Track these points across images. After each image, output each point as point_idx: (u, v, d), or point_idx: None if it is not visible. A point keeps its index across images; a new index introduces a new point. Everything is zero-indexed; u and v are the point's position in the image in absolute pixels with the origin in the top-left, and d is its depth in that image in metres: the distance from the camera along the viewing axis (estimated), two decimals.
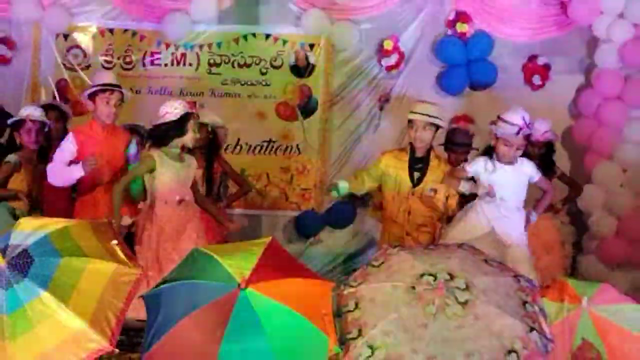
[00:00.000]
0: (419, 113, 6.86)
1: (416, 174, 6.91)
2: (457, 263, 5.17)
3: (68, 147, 6.76)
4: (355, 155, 8.77)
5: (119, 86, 6.92)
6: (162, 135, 6.54)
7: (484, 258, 5.43)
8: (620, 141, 8.49)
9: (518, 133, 6.50)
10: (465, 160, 7.50)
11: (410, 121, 6.90)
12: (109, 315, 4.97)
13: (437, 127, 6.91)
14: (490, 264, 5.34)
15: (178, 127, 6.50)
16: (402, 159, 6.95)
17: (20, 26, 8.49)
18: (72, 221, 5.52)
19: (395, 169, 6.94)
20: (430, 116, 6.83)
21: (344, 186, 7.04)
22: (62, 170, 6.72)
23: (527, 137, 6.63)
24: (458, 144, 7.63)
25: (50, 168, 6.75)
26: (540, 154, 7.41)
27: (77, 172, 6.68)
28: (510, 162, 6.66)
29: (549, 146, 7.59)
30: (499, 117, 6.60)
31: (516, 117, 6.56)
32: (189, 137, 6.57)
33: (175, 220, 6.58)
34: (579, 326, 5.20)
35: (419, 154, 6.93)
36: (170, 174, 6.51)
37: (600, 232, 8.41)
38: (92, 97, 6.87)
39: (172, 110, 6.51)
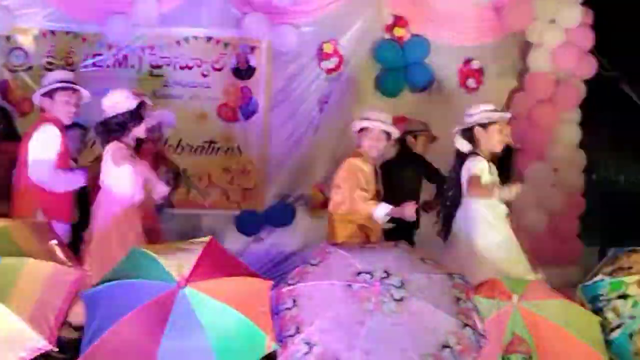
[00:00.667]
0: (374, 120, 6.78)
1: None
2: (393, 261, 5.20)
3: (53, 141, 6.61)
4: (295, 156, 8.73)
5: (78, 86, 6.80)
6: (118, 127, 6.37)
7: (420, 257, 5.46)
8: (551, 142, 8.56)
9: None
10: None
11: (362, 129, 6.82)
12: (48, 315, 4.92)
13: (389, 136, 6.87)
14: (425, 262, 5.37)
15: (135, 116, 6.40)
16: (366, 169, 6.76)
17: None
18: (10, 221, 5.46)
19: (364, 174, 6.74)
20: (385, 122, 6.78)
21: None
22: (66, 176, 6.61)
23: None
24: (416, 131, 7.68)
25: (51, 175, 6.56)
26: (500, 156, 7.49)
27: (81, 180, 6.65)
28: None
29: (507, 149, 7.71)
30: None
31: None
32: (143, 128, 6.48)
33: (129, 220, 6.48)
34: (510, 321, 5.25)
35: (371, 163, 6.82)
36: (127, 171, 6.35)
37: (533, 229, 8.47)
38: (48, 95, 6.70)
39: (124, 99, 6.39)
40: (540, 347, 5.21)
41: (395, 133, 6.93)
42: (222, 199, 8.72)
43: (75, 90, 6.73)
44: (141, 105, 6.41)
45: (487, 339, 5.12)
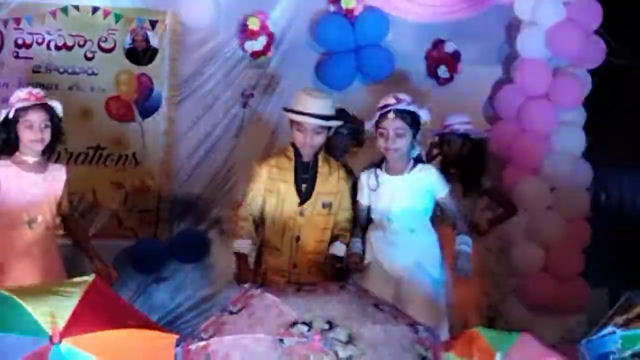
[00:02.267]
0: (309, 114, 6.78)
1: (303, 185, 6.88)
2: (339, 308, 5.23)
3: None
4: (210, 167, 8.76)
5: None
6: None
7: (373, 301, 5.50)
8: (547, 151, 8.67)
9: (386, 112, 6.66)
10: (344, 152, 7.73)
11: (294, 120, 6.89)
12: None
13: (330, 128, 6.94)
14: (381, 308, 5.41)
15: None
16: (283, 167, 6.87)
17: None
18: None
19: (275, 182, 6.83)
20: (324, 117, 6.80)
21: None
22: None
23: (411, 124, 6.76)
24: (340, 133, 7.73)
25: None
26: (464, 156, 7.56)
27: None
28: (400, 171, 6.78)
29: (476, 148, 7.78)
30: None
31: (385, 99, 6.75)
32: None
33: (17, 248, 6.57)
34: None
35: (306, 157, 6.89)
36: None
37: (524, 267, 8.55)
38: None
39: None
40: None
41: (337, 124, 6.97)
42: (111, 225, 8.72)
43: None
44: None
45: None
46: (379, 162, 6.82)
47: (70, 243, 7.20)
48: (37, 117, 6.59)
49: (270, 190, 6.85)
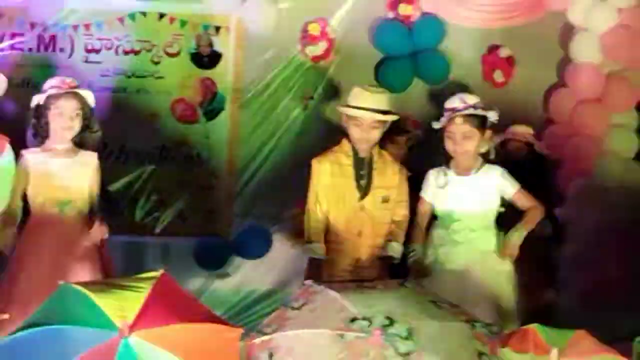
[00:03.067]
0: (366, 109, 6.82)
1: (361, 181, 6.88)
2: (398, 304, 5.22)
3: None
4: (273, 167, 8.76)
5: None
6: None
7: (431, 298, 5.47)
8: (600, 153, 8.60)
9: (454, 116, 6.69)
10: (407, 151, 7.79)
11: (350, 116, 6.90)
12: None
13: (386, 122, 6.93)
14: (439, 305, 5.39)
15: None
16: (342, 163, 6.90)
17: None
18: None
19: (335, 178, 6.88)
20: (381, 112, 6.83)
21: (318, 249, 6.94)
22: None
23: (479, 125, 6.74)
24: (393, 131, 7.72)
25: None
26: (523, 166, 7.52)
27: None
28: (467, 170, 6.76)
29: (535, 158, 7.77)
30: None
31: (452, 101, 6.73)
32: None
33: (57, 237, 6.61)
34: None
35: (363, 153, 6.90)
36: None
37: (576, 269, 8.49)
38: None
39: None
40: None
41: (395, 117, 7.00)
42: (177, 223, 8.74)
43: None
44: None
45: None
46: (447, 161, 6.80)
47: None
48: (68, 105, 6.65)
49: (330, 187, 6.85)
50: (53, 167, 6.65)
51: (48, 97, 6.66)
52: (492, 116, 6.81)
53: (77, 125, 6.70)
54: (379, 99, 6.85)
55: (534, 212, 6.84)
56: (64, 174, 6.67)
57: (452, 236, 6.80)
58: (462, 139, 6.69)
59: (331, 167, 6.89)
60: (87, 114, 6.77)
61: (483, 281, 6.75)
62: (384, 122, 6.86)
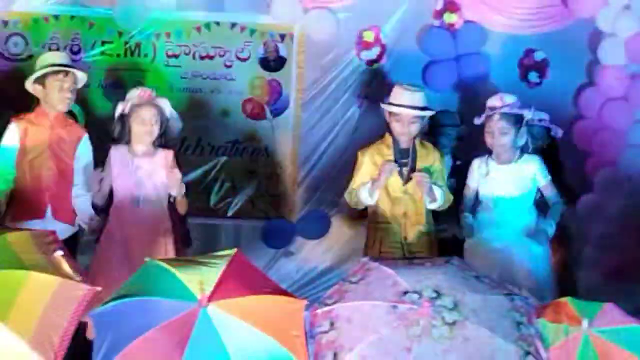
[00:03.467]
0: (405, 106, 6.84)
1: (404, 168, 6.87)
2: (445, 279, 5.20)
3: (8, 141, 6.73)
4: (331, 158, 8.77)
5: (74, 67, 6.89)
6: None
7: (474, 274, 5.46)
8: (625, 145, 8.53)
9: (492, 114, 6.74)
10: (454, 144, 7.85)
11: (391, 112, 6.92)
12: (52, 336, 4.95)
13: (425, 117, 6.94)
14: (481, 280, 5.37)
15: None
16: (383, 154, 6.92)
17: None
18: (10, 230, 5.50)
19: (377, 167, 6.87)
20: (418, 108, 6.84)
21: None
22: None
23: (515, 122, 6.75)
24: (443, 125, 7.71)
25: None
26: (541, 148, 7.49)
27: None
28: (507, 160, 6.76)
29: (552, 143, 7.72)
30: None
31: (492, 100, 6.75)
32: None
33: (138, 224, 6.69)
34: (580, 350, 5.22)
35: (403, 144, 6.92)
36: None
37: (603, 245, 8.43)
38: (40, 81, 6.81)
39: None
40: None
41: (432, 113, 7.05)
42: (247, 207, 8.77)
43: (67, 73, 6.80)
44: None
45: None
46: (490, 152, 6.82)
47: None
48: (148, 114, 6.71)
49: (373, 174, 6.87)
50: (133, 165, 6.73)
51: (131, 106, 6.73)
52: (527, 114, 6.84)
53: (155, 131, 6.76)
54: (417, 97, 6.88)
55: (557, 206, 6.95)
56: (141, 172, 6.74)
57: (494, 219, 6.81)
58: (499, 134, 6.73)
59: (372, 157, 6.96)
60: (164, 121, 6.83)
61: (522, 260, 6.76)
62: (422, 117, 6.86)
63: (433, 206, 6.89)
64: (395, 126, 6.86)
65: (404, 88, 6.92)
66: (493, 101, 6.83)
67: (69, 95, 6.80)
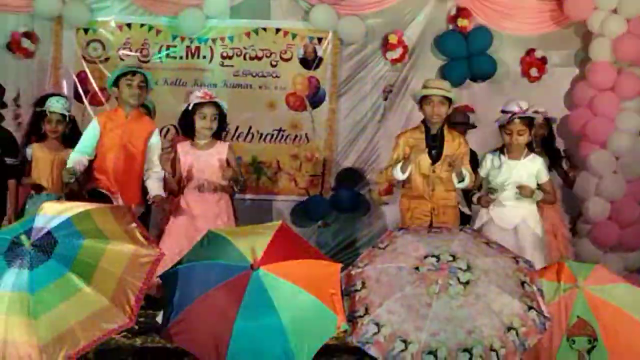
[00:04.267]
0: (435, 88, 6.89)
1: (434, 151, 6.89)
2: (460, 245, 5.19)
3: (89, 131, 6.78)
4: (361, 143, 8.76)
5: (140, 69, 6.93)
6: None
7: (485, 241, 5.44)
8: (613, 130, 8.46)
9: (512, 118, 6.67)
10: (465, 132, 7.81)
11: (424, 98, 6.90)
12: (129, 294, 4.99)
13: (450, 102, 6.93)
14: (491, 246, 5.35)
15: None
16: (418, 138, 6.93)
17: (42, 21, 8.50)
18: (93, 205, 5.54)
19: (411, 148, 6.88)
20: (445, 90, 6.88)
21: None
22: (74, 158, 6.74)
23: (528, 124, 6.72)
24: (456, 123, 7.69)
25: (71, 155, 6.77)
26: (541, 135, 7.45)
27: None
28: (517, 156, 6.75)
29: (549, 130, 7.68)
30: (502, 111, 6.80)
31: (511, 106, 6.73)
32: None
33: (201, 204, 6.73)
34: (575, 305, 5.20)
35: (434, 131, 6.92)
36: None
37: (594, 216, 8.38)
38: (115, 84, 6.87)
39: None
40: (605, 331, 5.15)
41: (456, 97, 7.05)
42: (290, 185, 8.79)
43: (135, 73, 6.83)
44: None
45: (552, 322, 5.11)
46: (502, 148, 6.81)
47: None
48: (209, 111, 6.69)
49: (408, 155, 6.87)
50: (195, 155, 6.74)
51: (194, 105, 6.74)
52: (538, 118, 6.87)
53: (215, 126, 6.77)
54: (443, 84, 6.99)
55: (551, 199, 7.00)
56: (204, 161, 6.75)
57: (503, 202, 6.81)
58: (518, 135, 6.72)
59: (407, 140, 6.94)
60: (222, 117, 6.84)
61: (524, 235, 6.76)
62: (449, 100, 6.88)
63: (461, 185, 6.92)
64: (427, 109, 6.87)
65: (432, 79, 7.11)
66: (512, 107, 6.78)
67: (137, 91, 6.80)
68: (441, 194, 6.90)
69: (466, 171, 6.86)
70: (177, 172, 6.74)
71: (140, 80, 6.83)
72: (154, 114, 7.75)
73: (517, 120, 6.74)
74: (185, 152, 6.74)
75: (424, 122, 6.93)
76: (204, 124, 6.71)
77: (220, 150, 6.79)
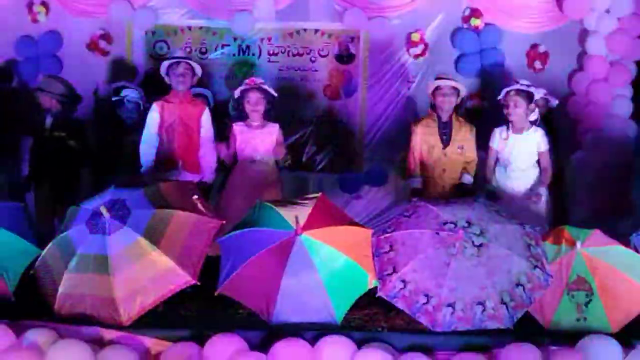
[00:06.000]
0: (444, 78, 6.92)
1: (444, 137, 6.86)
2: (474, 213, 5.20)
3: (151, 117, 6.81)
4: (389, 127, 8.67)
5: (183, 58, 6.96)
6: None
7: (496, 209, 5.44)
8: (606, 115, 8.34)
9: (507, 90, 6.70)
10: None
11: (436, 89, 6.88)
12: (192, 256, 5.06)
13: (458, 93, 6.90)
14: (501, 214, 5.35)
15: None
16: (430, 126, 6.91)
17: (116, 24, 8.52)
18: (161, 181, 5.58)
19: (427, 135, 6.90)
20: (454, 80, 6.91)
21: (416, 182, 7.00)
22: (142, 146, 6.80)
23: (526, 99, 6.68)
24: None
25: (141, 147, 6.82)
26: (542, 115, 7.35)
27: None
28: (520, 130, 6.67)
29: (550, 113, 7.61)
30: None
31: (512, 85, 6.77)
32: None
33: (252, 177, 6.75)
34: (574, 265, 5.20)
35: (444, 118, 6.88)
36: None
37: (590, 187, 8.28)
38: (167, 73, 6.91)
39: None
40: (601, 287, 5.16)
41: (463, 89, 7.02)
42: (328, 163, 8.74)
43: (179, 63, 6.85)
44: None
45: (554, 279, 5.09)
46: (508, 123, 6.73)
47: None
48: (254, 96, 6.75)
49: (424, 141, 6.85)
50: (249, 134, 6.76)
51: (242, 91, 6.76)
52: (536, 93, 6.76)
53: (261, 109, 6.78)
54: (452, 77, 7.07)
55: (546, 174, 6.79)
56: (255, 139, 6.77)
57: (508, 173, 6.74)
58: (514, 107, 6.63)
59: (422, 128, 6.96)
60: (270, 101, 6.83)
61: (529, 203, 6.68)
62: (457, 90, 6.89)
63: (466, 181, 6.92)
64: (438, 99, 6.87)
65: (444, 73, 7.16)
66: (512, 85, 6.76)
67: (180, 79, 6.81)
68: (451, 175, 6.88)
69: (469, 175, 6.89)
70: (232, 148, 6.78)
71: (185, 68, 6.83)
72: (212, 103, 7.78)
73: (512, 92, 6.66)
74: (241, 131, 6.79)
75: (435, 110, 6.90)
76: (250, 107, 6.73)
77: (272, 130, 6.83)
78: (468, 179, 6.87)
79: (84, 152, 7.32)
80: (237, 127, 6.82)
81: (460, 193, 6.83)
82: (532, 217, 6.32)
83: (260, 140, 6.79)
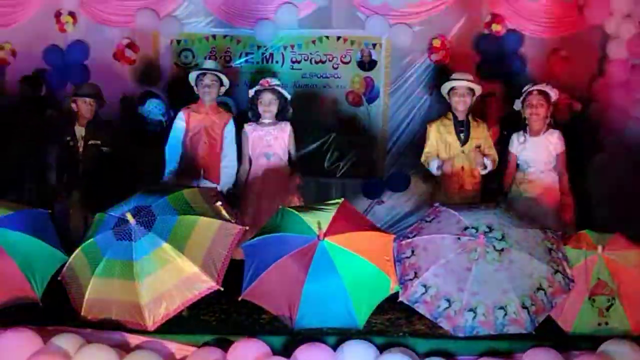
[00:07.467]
0: (460, 79, 6.85)
1: (461, 135, 6.81)
2: (495, 218, 5.15)
3: (177, 124, 6.82)
4: (409, 132, 8.65)
5: (212, 69, 6.93)
6: None
7: (516, 214, 5.40)
8: (627, 118, 8.25)
9: (532, 90, 6.62)
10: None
11: (451, 89, 6.85)
12: (216, 262, 5.05)
13: (474, 94, 6.85)
14: (522, 219, 5.30)
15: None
16: (447, 125, 6.85)
17: (142, 34, 8.57)
18: (184, 188, 5.58)
19: (443, 134, 6.84)
20: (469, 81, 6.84)
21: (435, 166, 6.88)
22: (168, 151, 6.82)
23: (546, 100, 6.61)
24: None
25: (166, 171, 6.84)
26: (563, 120, 7.27)
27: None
28: (537, 133, 6.61)
29: (572, 118, 7.54)
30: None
31: (529, 86, 6.68)
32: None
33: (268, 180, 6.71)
34: (595, 268, 5.15)
35: (461, 118, 6.83)
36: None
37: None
38: (195, 83, 6.92)
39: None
40: (622, 290, 5.11)
41: (478, 89, 6.92)
42: (350, 169, 8.73)
43: (205, 74, 6.86)
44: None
45: (575, 283, 5.04)
46: (525, 127, 6.67)
47: None
48: (266, 97, 6.74)
49: (440, 139, 6.84)
50: (261, 133, 6.74)
51: (255, 92, 6.77)
52: (554, 95, 6.69)
53: (274, 109, 6.77)
54: (468, 76, 6.93)
55: (564, 177, 6.69)
56: (268, 137, 6.75)
57: (527, 176, 6.67)
58: (536, 106, 6.58)
59: (437, 127, 6.90)
60: (282, 101, 6.82)
61: (548, 206, 6.61)
62: (473, 91, 6.84)
63: (484, 172, 6.78)
64: (454, 100, 6.82)
65: (460, 73, 7.02)
66: (531, 85, 6.72)
67: (207, 90, 6.83)
68: (469, 172, 6.81)
69: (488, 160, 6.74)
70: (245, 149, 6.78)
71: (211, 79, 6.84)
72: (235, 111, 7.79)
73: (535, 92, 6.61)
74: (253, 129, 6.77)
75: (451, 110, 6.85)
76: (263, 107, 6.73)
77: (284, 127, 6.79)
78: (488, 163, 6.77)
79: (117, 158, 7.34)
80: (249, 127, 6.80)
81: (479, 193, 6.80)
82: (553, 222, 6.27)
83: (273, 137, 6.77)
